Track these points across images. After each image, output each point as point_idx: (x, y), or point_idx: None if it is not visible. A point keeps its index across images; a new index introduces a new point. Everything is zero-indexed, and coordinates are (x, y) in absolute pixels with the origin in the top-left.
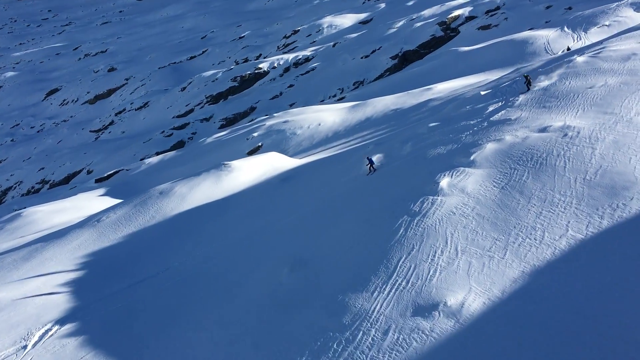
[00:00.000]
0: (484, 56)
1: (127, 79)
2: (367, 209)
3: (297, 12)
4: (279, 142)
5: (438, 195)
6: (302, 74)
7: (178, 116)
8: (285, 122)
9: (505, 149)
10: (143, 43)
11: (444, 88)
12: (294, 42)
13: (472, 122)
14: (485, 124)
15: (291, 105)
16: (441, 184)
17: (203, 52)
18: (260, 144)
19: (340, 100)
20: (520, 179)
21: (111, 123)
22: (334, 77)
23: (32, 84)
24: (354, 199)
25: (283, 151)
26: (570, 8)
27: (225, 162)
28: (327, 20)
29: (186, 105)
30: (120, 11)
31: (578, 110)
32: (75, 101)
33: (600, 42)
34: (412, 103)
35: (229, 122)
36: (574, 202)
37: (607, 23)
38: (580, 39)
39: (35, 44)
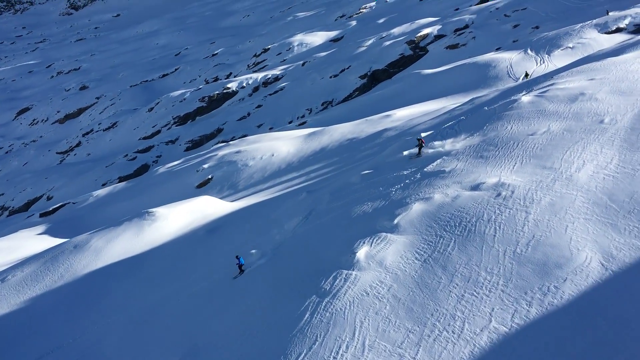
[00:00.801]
0: (446, 79)
1: (97, 98)
2: (278, 282)
3: (271, 29)
4: (230, 174)
5: (353, 270)
6: (270, 94)
7: (144, 138)
8: (237, 152)
9: (433, 210)
10: (117, 60)
11: (402, 115)
12: (264, 60)
13: (405, 173)
14: (418, 175)
15: (259, 127)
16: (358, 254)
17: (175, 69)
18: (210, 177)
19: (302, 125)
20: (445, 250)
21: (78, 144)
22: (302, 97)
23: (3, 103)
24: (267, 267)
25: (234, 184)
26: (537, 27)
27: (149, 210)
28: (298, 38)
29: (153, 127)
30: (96, 27)
31: (516, 163)
32: (45, 121)
33: (551, 74)
34: (369, 132)
35: (194, 145)
36: (501, 283)
37: (570, 45)
38: (544, 62)
39: (8, 62)
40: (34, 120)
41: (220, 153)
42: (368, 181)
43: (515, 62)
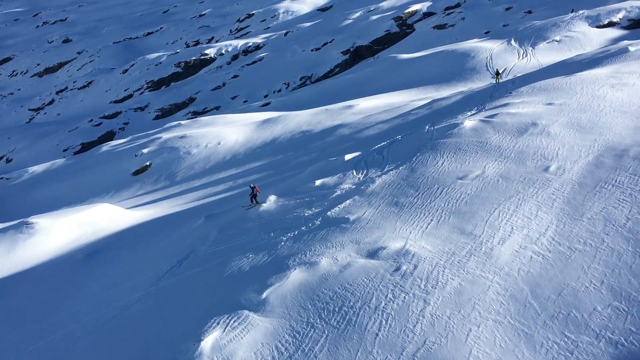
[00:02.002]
0: (422, 67)
1: (79, 53)
2: None
3: None
4: (169, 162)
5: None
6: (248, 64)
7: (115, 101)
8: (182, 137)
9: (314, 283)
10: (104, 13)
11: (363, 108)
12: (248, 26)
13: (306, 214)
14: (318, 221)
15: (233, 99)
16: (204, 344)
17: (160, 28)
18: (148, 163)
19: (266, 106)
20: (311, 350)
21: (51, 102)
22: (281, 70)
23: None
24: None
25: (172, 175)
26: (529, 12)
27: (29, 221)
28: (285, 5)
29: (125, 90)
30: None
31: (432, 220)
32: (25, 73)
33: (510, 88)
34: (324, 125)
35: (164, 114)
36: None
37: (557, 38)
38: (527, 54)
39: None
40: (13, 71)
41: (165, 136)
42: (263, 220)
43: (496, 53)
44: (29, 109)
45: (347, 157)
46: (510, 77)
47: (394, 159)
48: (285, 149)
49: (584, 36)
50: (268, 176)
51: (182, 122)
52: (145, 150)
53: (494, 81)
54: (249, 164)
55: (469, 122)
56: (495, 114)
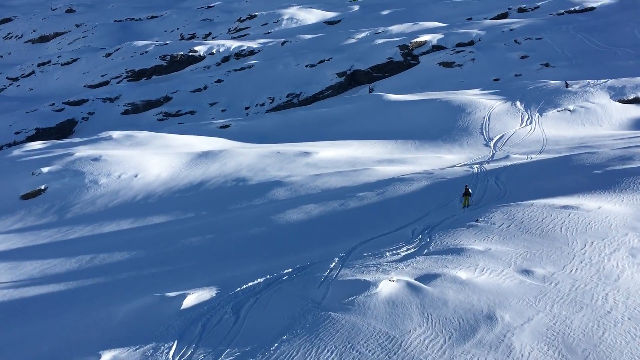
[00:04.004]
0: (409, 114)
1: (77, 25)
2: None
3: None
4: (69, 190)
5: None
6: (236, 70)
7: (89, 86)
8: (96, 159)
9: None
10: None
11: (323, 158)
12: (247, 28)
13: None
14: None
15: (211, 105)
16: None
17: (163, 14)
18: (44, 187)
19: (224, 128)
20: None
21: (30, 74)
22: (269, 82)
23: None
24: None
25: (64, 209)
26: (547, 64)
27: None
28: (290, 11)
29: (102, 76)
30: None
31: None
32: (19, 37)
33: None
34: (265, 176)
35: (133, 110)
36: None
37: (571, 107)
38: (532, 121)
39: None
40: (9, 34)
41: (78, 153)
42: None
43: (495, 114)
44: (7, 77)
45: (187, 302)
46: (505, 147)
47: (248, 334)
48: (204, 202)
49: (603, 110)
50: (122, 265)
51: (114, 134)
52: (45, 169)
53: (488, 151)
54: (152, 217)
55: (388, 284)
56: (435, 276)
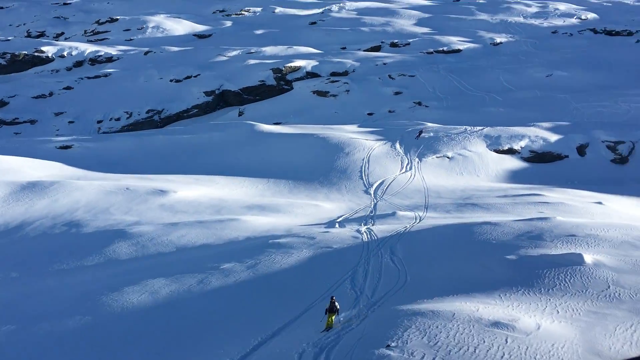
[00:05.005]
0: (284, 148)
1: None
2: None
3: None
4: None
5: None
6: (90, 77)
7: None
8: None
9: None
10: None
11: (181, 199)
12: (107, 32)
13: None
14: None
15: (57, 115)
16: None
17: (9, 6)
18: None
19: (65, 149)
20: None
21: None
22: (128, 95)
23: None
24: None
25: None
26: (419, 103)
27: None
28: (157, 19)
29: None
30: None
31: None
32: None
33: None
34: (106, 222)
35: None
36: None
37: (449, 154)
38: (411, 166)
39: None
40: None
41: None
42: None
43: (375, 156)
44: None
45: None
46: (387, 196)
47: None
48: (18, 256)
49: (480, 159)
50: None
51: None
52: None
53: (369, 200)
54: None
55: None
56: None
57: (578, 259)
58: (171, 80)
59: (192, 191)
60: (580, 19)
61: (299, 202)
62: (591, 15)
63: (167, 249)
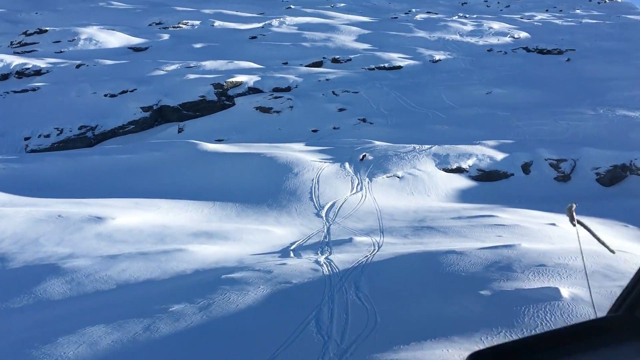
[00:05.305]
0: (229, 168)
1: None
2: None
3: (67, 7)
4: None
5: None
6: (16, 91)
7: None
8: None
9: None
10: None
11: (120, 227)
12: (35, 43)
13: None
14: None
15: None
16: None
17: None
18: None
19: None
20: None
21: None
22: (58, 110)
23: None
24: None
25: None
26: (364, 120)
27: None
28: (90, 31)
29: None
30: None
31: None
32: None
33: None
34: (26, 260)
35: None
36: None
37: (399, 174)
38: (362, 187)
39: None
40: None
41: None
42: None
43: (324, 177)
44: None
45: None
46: (339, 219)
47: None
48: None
49: (430, 178)
50: None
51: None
52: None
53: (321, 223)
54: None
55: None
56: None
57: (555, 294)
58: (105, 95)
59: (132, 217)
60: (514, 37)
61: (248, 227)
62: (523, 34)
63: (106, 287)
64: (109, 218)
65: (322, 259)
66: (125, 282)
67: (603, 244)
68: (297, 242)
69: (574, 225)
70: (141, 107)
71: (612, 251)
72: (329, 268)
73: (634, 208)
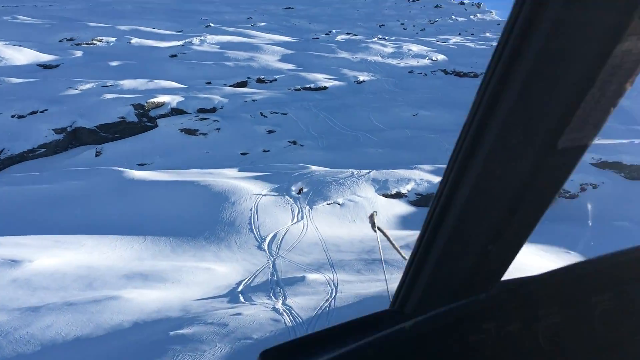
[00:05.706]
0: (160, 198)
1: None
2: None
3: None
4: None
5: None
6: None
7: None
8: None
9: None
10: None
11: (39, 271)
12: None
13: None
14: None
15: None
16: None
17: None
18: None
19: None
20: None
21: None
22: None
23: None
24: None
25: None
26: (294, 142)
27: None
28: None
29: None
30: None
31: None
32: None
33: None
34: None
35: None
36: None
37: (340, 201)
38: (303, 216)
39: None
40: None
41: None
42: None
43: (263, 205)
44: None
45: None
46: (283, 252)
47: None
48: None
49: (370, 205)
50: None
51: None
52: None
53: (265, 257)
54: None
55: None
56: None
57: None
58: (13, 116)
59: (52, 258)
60: (432, 60)
61: (186, 265)
62: (441, 57)
63: (29, 349)
64: (26, 260)
65: (279, 304)
66: (51, 342)
67: (397, 250)
68: (244, 282)
69: (375, 231)
70: (53, 129)
71: (405, 258)
72: (290, 317)
73: (572, 233)
